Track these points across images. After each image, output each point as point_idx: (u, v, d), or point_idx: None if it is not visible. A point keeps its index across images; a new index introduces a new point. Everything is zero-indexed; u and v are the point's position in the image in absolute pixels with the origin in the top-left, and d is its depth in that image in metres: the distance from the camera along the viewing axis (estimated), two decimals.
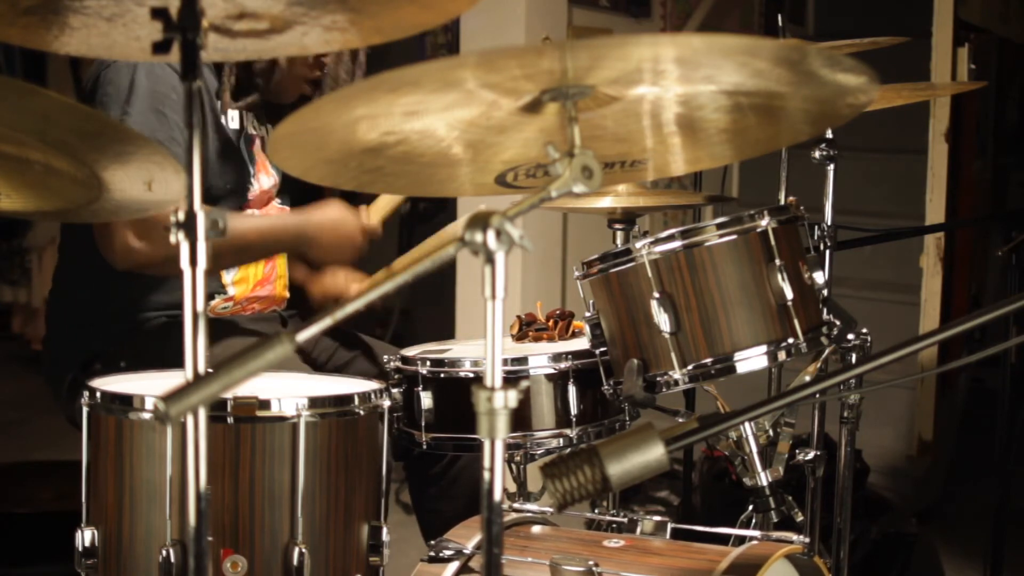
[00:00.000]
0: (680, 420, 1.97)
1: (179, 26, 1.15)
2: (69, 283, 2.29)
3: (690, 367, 1.78)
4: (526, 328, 2.22)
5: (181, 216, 1.15)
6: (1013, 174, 4.93)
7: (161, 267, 2.03)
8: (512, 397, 1.08)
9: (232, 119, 2.21)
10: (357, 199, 2.18)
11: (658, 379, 1.80)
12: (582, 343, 1.98)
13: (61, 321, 2.30)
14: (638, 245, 1.79)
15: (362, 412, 1.75)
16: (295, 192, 2.40)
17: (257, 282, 2.28)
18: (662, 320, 1.77)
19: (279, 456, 1.65)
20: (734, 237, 1.78)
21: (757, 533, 1.84)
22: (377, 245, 2.29)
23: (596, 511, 2.18)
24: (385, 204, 2.32)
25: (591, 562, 1.68)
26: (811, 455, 2.00)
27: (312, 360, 2.37)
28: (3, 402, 5.17)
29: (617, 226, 2.25)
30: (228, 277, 2.23)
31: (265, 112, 2.27)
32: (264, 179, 2.28)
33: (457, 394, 1.99)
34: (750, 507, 1.90)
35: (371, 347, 2.43)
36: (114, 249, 2.02)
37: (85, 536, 1.69)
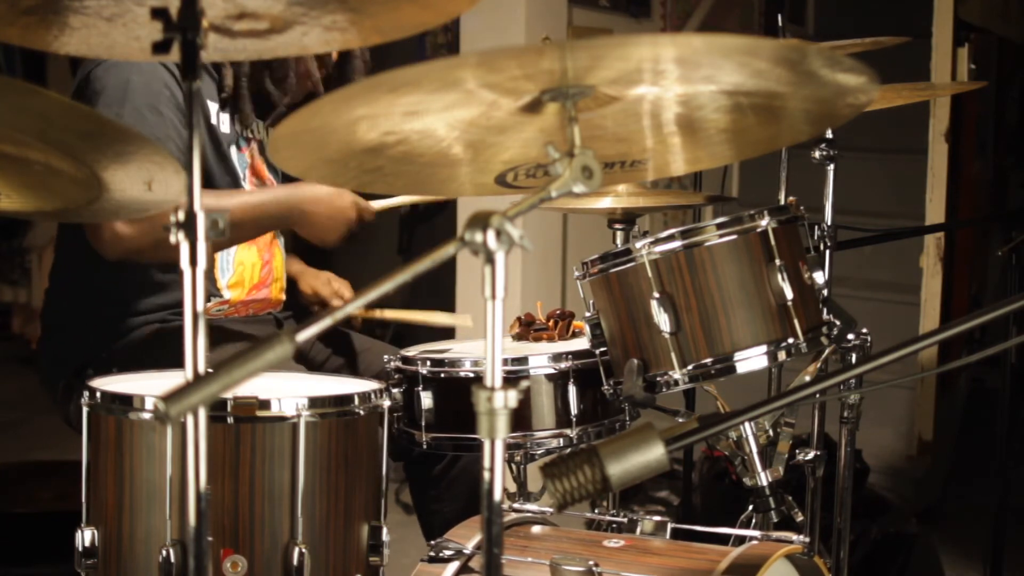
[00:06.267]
0: (680, 420, 1.96)
1: (179, 26, 1.15)
2: (63, 284, 2.27)
3: (690, 367, 1.78)
4: (526, 328, 2.22)
5: (181, 216, 1.15)
6: (1013, 174, 4.93)
7: (152, 252, 1.96)
8: (512, 397, 1.08)
9: (223, 123, 2.20)
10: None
11: (658, 379, 1.80)
12: (582, 343, 1.98)
13: (55, 324, 2.29)
14: (638, 245, 1.79)
15: (362, 412, 1.75)
16: None
17: (253, 285, 2.25)
18: (662, 320, 1.76)
19: (279, 456, 1.65)
20: (734, 237, 1.78)
21: (757, 533, 1.84)
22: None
23: (596, 511, 2.18)
24: (389, 201, 2.26)
25: (591, 562, 1.68)
26: (811, 455, 2.00)
27: (309, 361, 2.36)
28: (3, 402, 5.17)
29: (617, 226, 2.25)
30: (223, 280, 2.19)
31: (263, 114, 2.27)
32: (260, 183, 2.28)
33: (457, 394, 1.99)
34: (750, 507, 1.90)
35: (370, 347, 2.43)
36: (103, 238, 1.97)
37: (85, 536, 1.69)
